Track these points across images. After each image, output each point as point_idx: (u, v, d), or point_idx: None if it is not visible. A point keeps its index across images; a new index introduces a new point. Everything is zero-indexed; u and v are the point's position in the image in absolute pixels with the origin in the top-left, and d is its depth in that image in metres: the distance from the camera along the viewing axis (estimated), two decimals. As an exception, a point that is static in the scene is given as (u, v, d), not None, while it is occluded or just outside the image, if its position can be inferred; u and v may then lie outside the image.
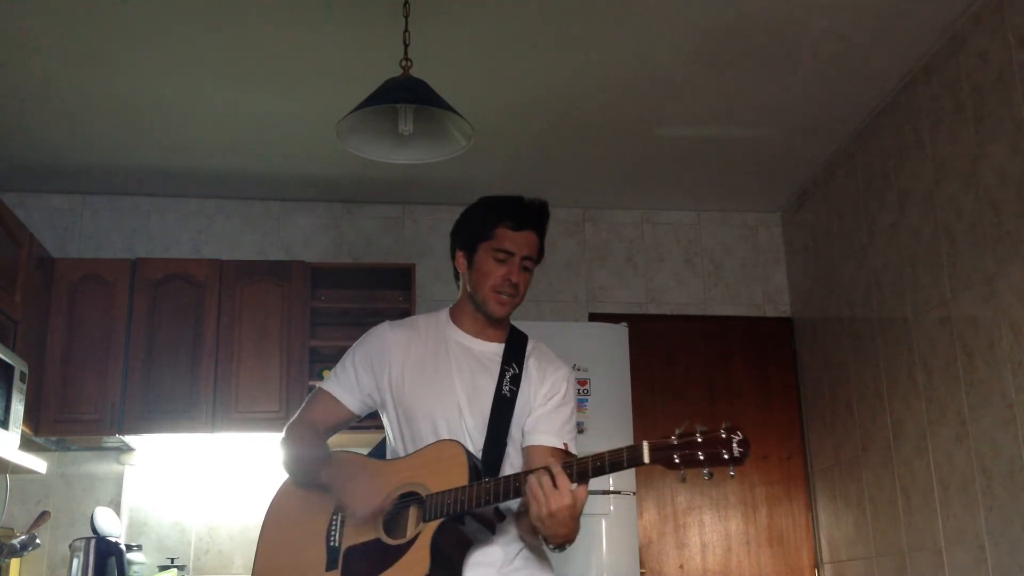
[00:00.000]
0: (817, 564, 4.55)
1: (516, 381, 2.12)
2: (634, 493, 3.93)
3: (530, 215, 2.14)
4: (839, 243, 4.32)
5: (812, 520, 4.61)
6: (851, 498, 4.17)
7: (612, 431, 3.91)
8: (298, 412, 2.24)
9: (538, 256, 2.17)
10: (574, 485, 1.79)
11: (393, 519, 2.00)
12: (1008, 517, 3.05)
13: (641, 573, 3.97)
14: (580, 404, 3.89)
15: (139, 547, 4.03)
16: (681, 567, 4.52)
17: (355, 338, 2.28)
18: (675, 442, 1.72)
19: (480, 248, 2.14)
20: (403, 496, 2.00)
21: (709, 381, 4.76)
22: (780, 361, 4.81)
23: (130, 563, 3.92)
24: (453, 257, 2.21)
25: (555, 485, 1.78)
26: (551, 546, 1.90)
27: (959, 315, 3.33)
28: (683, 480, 1.74)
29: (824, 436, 4.47)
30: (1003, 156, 3.08)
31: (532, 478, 1.80)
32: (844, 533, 4.25)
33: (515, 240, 2.11)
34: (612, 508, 3.83)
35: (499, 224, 2.12)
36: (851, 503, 4.17)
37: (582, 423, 3.86)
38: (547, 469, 1.80)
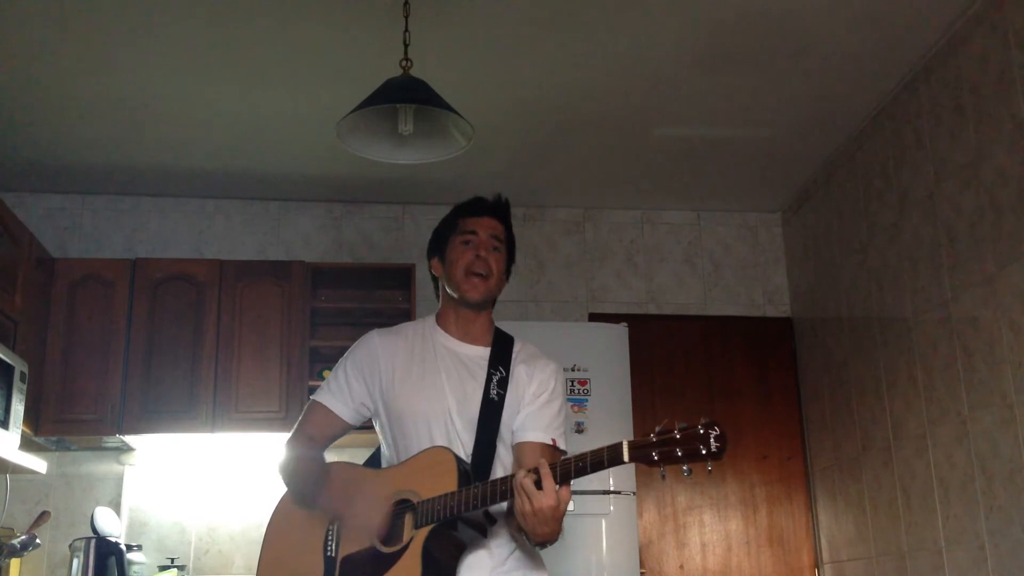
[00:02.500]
0: (817, 564, 4.55)
1: (503, 384, 2.14)
2: (634, 493, 3.93)
3: (487, 202, 2.26)
4: (839, 243, 4.32)
5: (812, 520, 4.61)
6: (851, 498, 4.17)
7: (612, 431, 3.90)
8: (295, 426, 2.25)
9: (507, 241, 2.26)
10: (558, 486, 1.81)
11: (389, 526, 2.02)
12: (1008, 517, 3.05)
13: (641, 573, 3.97)
14: (580, 404, 3.89)
15: (139, 547, 4.03)
16: (681, 567, 4.52)
17: (355, 338, 2.30)
18: (654, 440, 1.74)
19: (449, 244, 2.24)
20: (397, 504, 2.02)
21: (709, 381, 4.76)
22: (780, 361, 4.81)
23: (130, 563, 3.92)
24: (430, 269, 2.30)
25: (540, 485, 1.80)
26: (532, 542, 1.92)
27: (959, 315, 3.33)
28: (663, 478, 1.78)
29: (824, 436, 4.47)
30: (1003, 156, 3.08)
31: (519, 474, 1.83)
32: (844, 533, 4.25)
33: (477, 223, 2.23)
34: (612, 508, 3.83)
35: (459, 216, 2.26)
36: (851, 503, 4.18)
37: (582, 423, 3.86)
38: (535, 470, 1.83)
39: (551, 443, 2.10)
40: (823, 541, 4.51)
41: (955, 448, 3.35)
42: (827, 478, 4.44)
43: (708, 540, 4.57)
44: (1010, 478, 3.03)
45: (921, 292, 3.59)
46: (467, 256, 2.19)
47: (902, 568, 3.70)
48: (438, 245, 2.28)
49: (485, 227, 2.22)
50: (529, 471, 1.84)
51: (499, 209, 2.26)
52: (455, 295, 2.20)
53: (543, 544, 1.91)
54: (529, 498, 1.80)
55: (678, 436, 1.72)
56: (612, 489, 3.83)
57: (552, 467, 1.82)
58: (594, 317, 4.68)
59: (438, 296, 2.30)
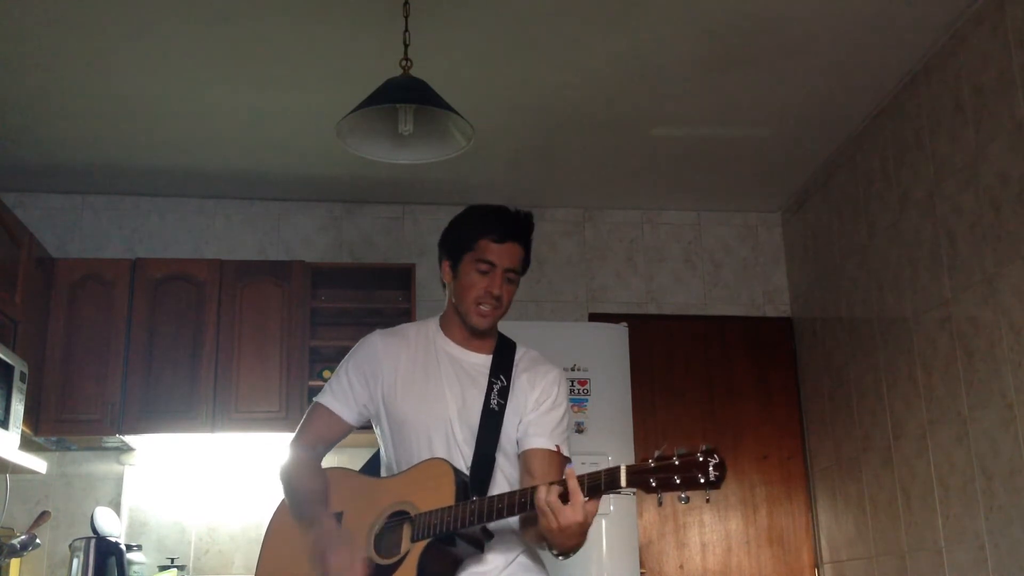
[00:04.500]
0: (817, 564, 4.55)
1: (504, 394, 2.12)
2: (634, 493, 3.93)
3: (513, 227, 2.15)
4: (839, 243, 4.32)
5: (812, 520, 4.61)
6: (851, 498, 4.17)
7: (612, 431, 3.91)
8: (298, 429, 2.23)
9: (522, 268, 2.18)
10: (585, 499, 1.77)
11: (385, 537, 2.01)
12: (1008, 517, 3.05)
13: (641, 573, 3.97)
14: (580, 404, 3.89)
15: (139, 547, 4.03)
16: (681, 567, 4.52)
17: (355, 338, 2.29)
18: (652, 465, 1.71)
19: (463, 259, 2.15)
20: (393, 515, 2.01)
21: (709, 381, 4.76)
22: (780, 361, 4.81)
23: (130, 563, 3.92)
24: (440, 266, 2.23)
25: (566, 500, 1.77)
26: (555, 553, 1.90)
27: (959, 315, 3.33)
28: (660, 504, 1.75)
29: (824, 436, 4.47)
30: (1003, 156, 3.08)
31: (540, 492, 1.79)
32: (844, 533, 4.25)
33: (498, 252, 2.12)
34: (612, 508, 3.83)
35: (482, 236, 2.13)
36: (851, 503, 4.17)
37: (582, 423, 3.86)
38: (560, 482, 1.79)
39: (556, 449, 2.09)
40: (823, 541, 4.51)
41: (955, 448, 3.35)
42: (827, 478, 4.44)
43: (708, 540, 4.57)
44: (1010, 478, 3.03)
45: (921, 292, 3.59)
46: (480, 288, 2.12)
47: (902, 568, 3.70)
48: (451, 251, 2.19)
49: (505, 257, 2.12)
50: (551, 485, 1.80)
51: (523, 234, 2.17)
52: (461, 315, 2.16)
53: (568, 555, 1.88)
54: (556, 516, 1.77)
55: (676, 463, 1.69)
56: (612, 489, 3.82)
57: (580, 480, 1.77)
58: (594, 317, 4.68)
59: (446, 295, 2.25)
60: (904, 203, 3.72)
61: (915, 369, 3.62)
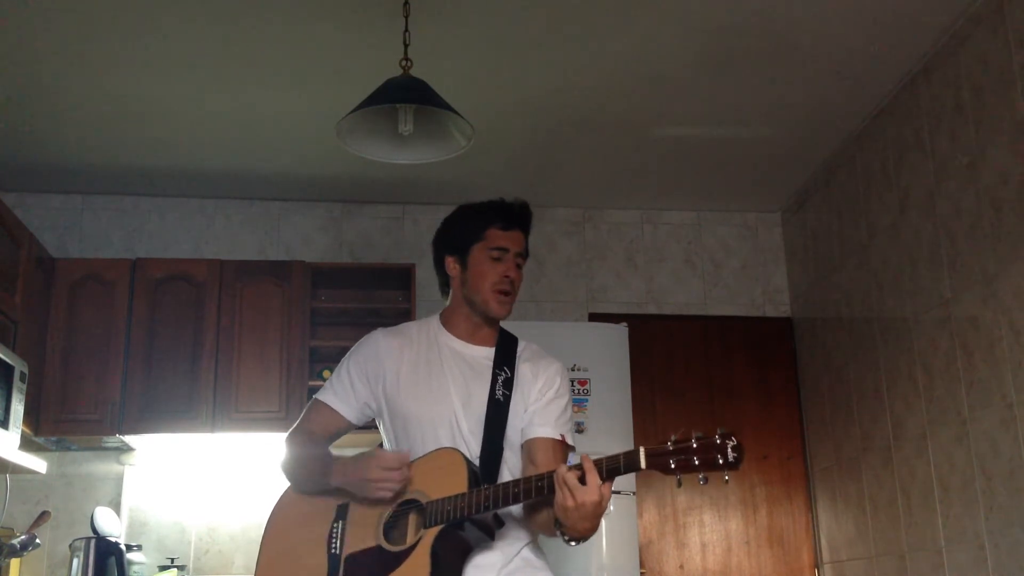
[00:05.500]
0: (817, 564, 4.55)
1: (509, 385, 2.14)
2: (634, 493, 3.93)
3: (516, 214, 2.21)
4: (839, 243, 4.32)
5: (812, 520, 4.61)
6: (851, 498, 4.17)
7: (612, 431, 3.91)
8: (296, 424, 2.24)
9: (526, 254, 2.23)
10: (601, 482, 1.81)
11: (393, 526, 2.02)
12: (1008, 517, 3.05)
13: (641, 573, 3.97)
14: (580, 404, 3.89)
15: (139, 547, 4.03)
16: (681, 567, 4.52)
17: (355, 338, 2.29)
18: (671, 448, 1.74)
19: (473, 250, 2.19)
20: (403, 503, 2.01)
21: (709, 381, 4.76)
22: (780, 361, 4.81)
23: (130, 563, 3.92)
24: (440, 265, 2.25)
25: (584, 481, 1.80)
26: (567, 538, 1.91)
27: (959, 315, 3.33)
28: (679, 485, 1.77)
29: (824, 436, 4.47)
30: (1003, 156, 3.08)
31: (561, 469, 1.83)
32: (844, 533, 4.25)
33: (507, 238, 2.18)
34: (612, 508, 3.83)
35: (489, 225, 2.19)
36: (851, 503, 4.18)
37: (582, 423, 3.86)
38: (578, 465, 1.83)
39: (560, 439, 2.11)
40: (823, 541, 4.51)
41: (955, 448, 3.35)
42: (827, 478, 4.44)
43: (708, 540, 4.57)
44: (1010, 478, 3.03)
45: (921, 292, 3.59)
46: (496, 272, 2.16)
47: (902, 568, 3.70)
48: (457, 246, 2.22)
49: (514, 242, 2.18)
50: (572, 467, 1.83)
51: (526, 221, 2.23)
52: (476, 305, 2.18)
53: (579, 540, 1.91)
54: (572, 493, 1.80)
55: (695, 445, 1.72)
56: (612, 489, 3.82)
57: (597, 463, 1.81)
58: (594, 317, 4.68)
59: (444, 293, 2.27)
60: (904, 203, 3.72)
61: (915, 369, 3.62)
